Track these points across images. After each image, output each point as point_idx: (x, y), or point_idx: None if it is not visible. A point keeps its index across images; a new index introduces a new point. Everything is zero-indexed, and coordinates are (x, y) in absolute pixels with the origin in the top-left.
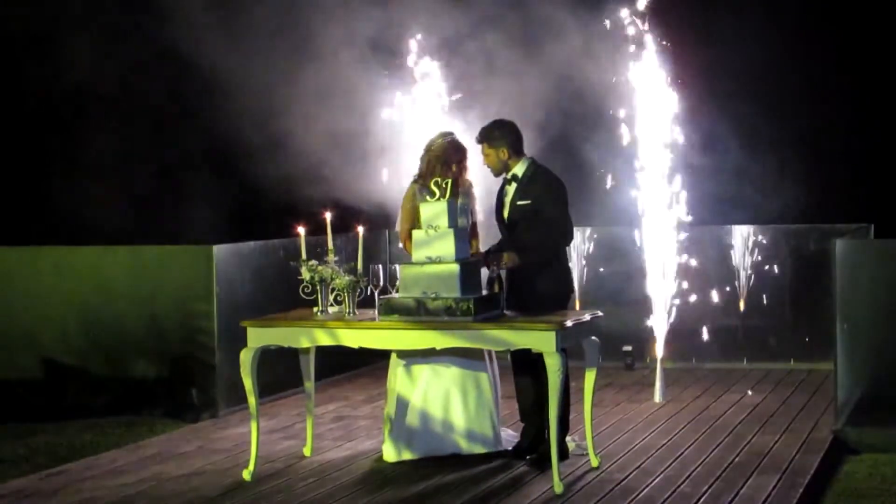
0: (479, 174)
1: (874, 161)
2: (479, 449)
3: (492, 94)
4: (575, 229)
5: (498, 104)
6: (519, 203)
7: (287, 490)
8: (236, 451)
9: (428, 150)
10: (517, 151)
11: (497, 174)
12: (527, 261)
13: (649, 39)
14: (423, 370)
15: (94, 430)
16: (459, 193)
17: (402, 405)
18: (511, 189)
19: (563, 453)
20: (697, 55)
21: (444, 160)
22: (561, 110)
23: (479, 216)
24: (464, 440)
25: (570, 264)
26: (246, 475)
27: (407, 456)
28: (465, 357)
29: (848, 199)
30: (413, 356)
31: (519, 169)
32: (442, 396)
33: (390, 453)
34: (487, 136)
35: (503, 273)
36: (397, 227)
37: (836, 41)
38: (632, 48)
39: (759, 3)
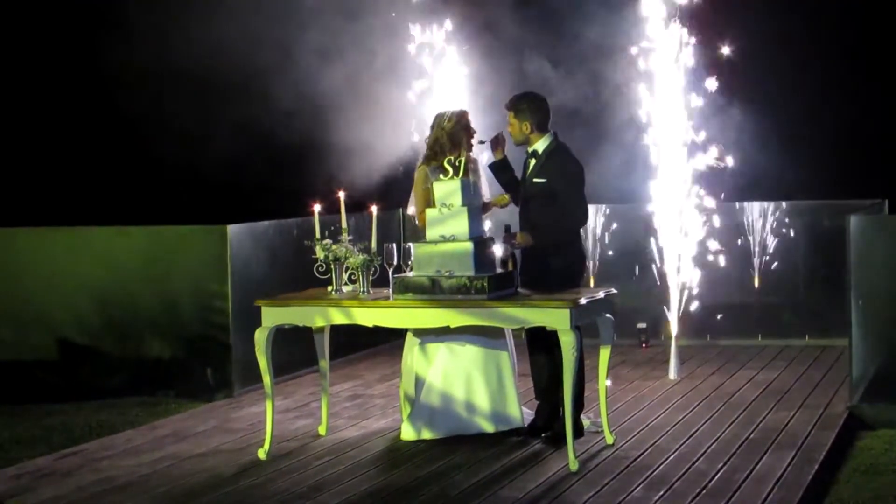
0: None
1: (889, 137)
2: (503, 428)
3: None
4: (589, 206)
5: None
6: (535, 180)
7: (302, 469)
8: (251, 430)
9: (438, 126)
10: (540, 127)
11: (517, 144)
12: (540, 241)
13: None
14: (440, 349)
15: (109, 410)
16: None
17: (420, 384)
18: (531, 165)
19: (578, 431)
20: (713, 27)
21: (452, 140)
22: (576, 80)
23: (486, 192)
24: (488, 420)
25: (585, 242)
26: (261, 454)
27: (427, 435)
28: (483, 336)
29: (862, 175)
30: (429, 335)
31: (540, 145)
32: (463, 376)
33: (409, 433)
34: (515, 105)
35: (517, 252)
36: (409, 211)
37: (854, 18)
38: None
39: None
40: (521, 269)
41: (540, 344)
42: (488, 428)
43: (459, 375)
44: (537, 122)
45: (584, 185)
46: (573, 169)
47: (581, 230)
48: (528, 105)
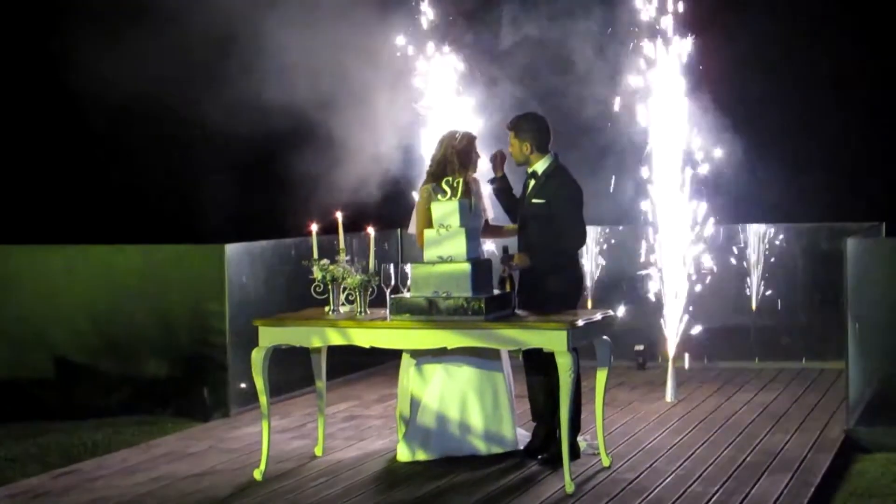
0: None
1: (887, 159)
2: (497, 449)
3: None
4: (588, 228)
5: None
6: (534, 201)
7: (298, 490)
8: (247, 450)
9: (442, 148)
10: (541, 148)
11: (518, 164)
12: (538, 263)
13: (667, 29)
14: (436, 370)
15: (105, 430)
16: (472, 194)
17: (416, 405)
18: (530, 185)
19: (575, 453)
20: (712, 50)
21: (458, 163)
22: (571, 100)
23: (490, 214)
24: (482, 441)
25: (582, 264)
26: (257, 475)
27: (422, 456)
28: (479, 357)
29: (860, 198)
30: (426, 356)
31: (540, 166)
32: (459, 397)
33: (405, 453)
34: (516, 125)
35: (515, 273)
36: (411, 230)
37: (850, 40)
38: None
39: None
40: (518, 291)
41: (536, 365)
42: (483, 449)
43: (455, 397)
44: (538, 143)
45: (583, 207)
46: (572, 190)
47: (579, 252)
48: (529, 125)
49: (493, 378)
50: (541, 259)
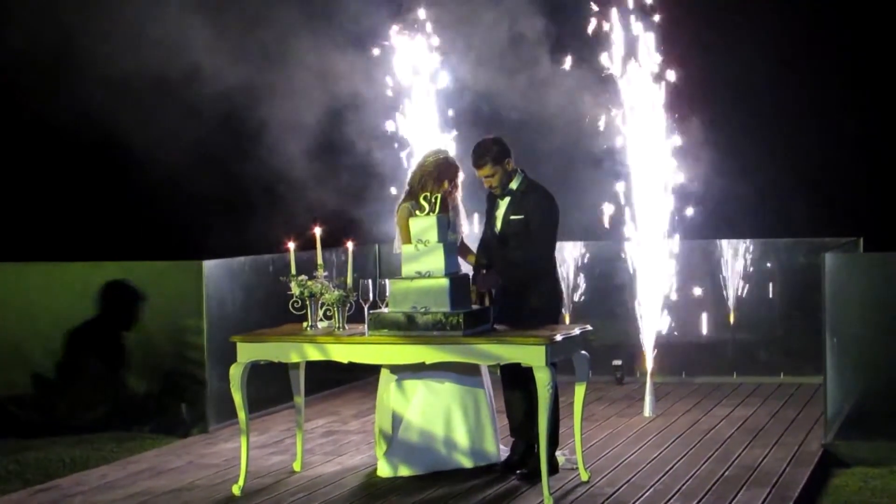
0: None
1: (863, 175)
2: (481, 463)
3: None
4: (565, 244)
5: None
6: (512, 218)
7: None
8: (226, 466)
9: (421, 166)
10: (512, 167)
11: (502, 190)
12: (511, 277)
13: (642, 45)
14: (417, 385)
15: (84, 446)
16: (449, 209)
17: (397, 421)
18: (504, 203)
19: (553, 467)
20: (687, 63)
21: (436, 176)
22: (551, 121)
23: (465, 230)
24: (466, 456)
25: (560, 279)
26: (236, 490)
27: (405, 472)
28: (459, 372)
29: (837, 213)
30: (405, 371)
31: (514, 183)
32: (442, 412)
33: (385, 469)
34: (489, 153)
35: (493, 289)
36: (395, 249)
37: (829, 57)
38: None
39: (751, 17)
40: (499, 307)
41: (515, 380)
42: (467, 464)
43: (438, 412)
44: (510, 164)
45: (558, 219)
46: (548, 203)
47: (556, 267)
48: (498, 146)
49: (474, 393)
50: (513, 274)
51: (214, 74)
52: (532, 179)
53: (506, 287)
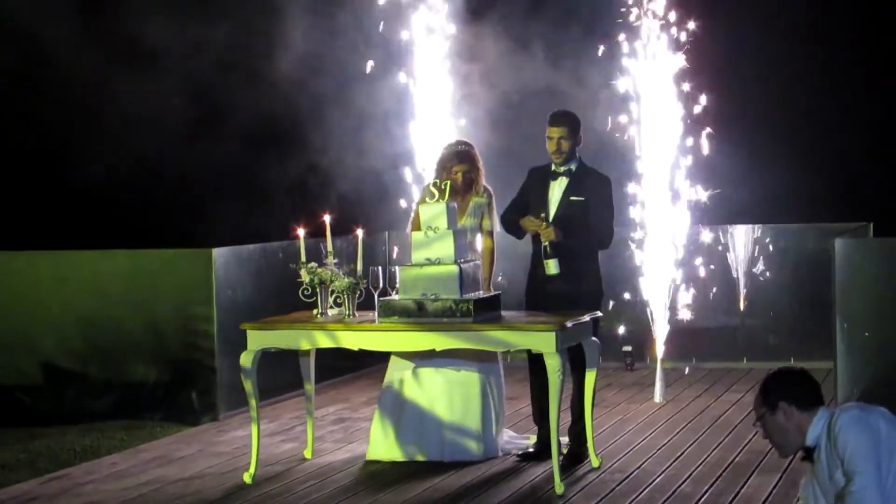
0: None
1: (874, 160)
2: (489, 453)
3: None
4: None
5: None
6: (572, 198)
7: (287, 493)
8: (237, 454)
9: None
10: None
11: (563, 161)
12: (579, 249)
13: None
14: (427, 373)
15: (94, 434)
16: (472, 195)
17: (403, 407)
18: (559, 183)
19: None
20: (699, 48)
21: (442, 165)
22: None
23: (498, 227)
24: (472, 444)
25: None
26: (246, 478)
27: (398, 457)
28: (469, 359)
29: (847, 198)
30: (413, 358)
31: (573, 163)
32: (447, 399)
33: (378, 451)
34: (569, 116)
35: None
36: (408, 230)
37: (838, 41)
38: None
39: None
40: (550, 292)
41: (541, 367)
42: (477, 452)
43: (443, 399)
44: (578, 140)
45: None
46: (608, 185)
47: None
48: (579, 122)
49: (483, 380)
50: (581, 249)
51: None
52: (583, 160)
53: (566, 266)
